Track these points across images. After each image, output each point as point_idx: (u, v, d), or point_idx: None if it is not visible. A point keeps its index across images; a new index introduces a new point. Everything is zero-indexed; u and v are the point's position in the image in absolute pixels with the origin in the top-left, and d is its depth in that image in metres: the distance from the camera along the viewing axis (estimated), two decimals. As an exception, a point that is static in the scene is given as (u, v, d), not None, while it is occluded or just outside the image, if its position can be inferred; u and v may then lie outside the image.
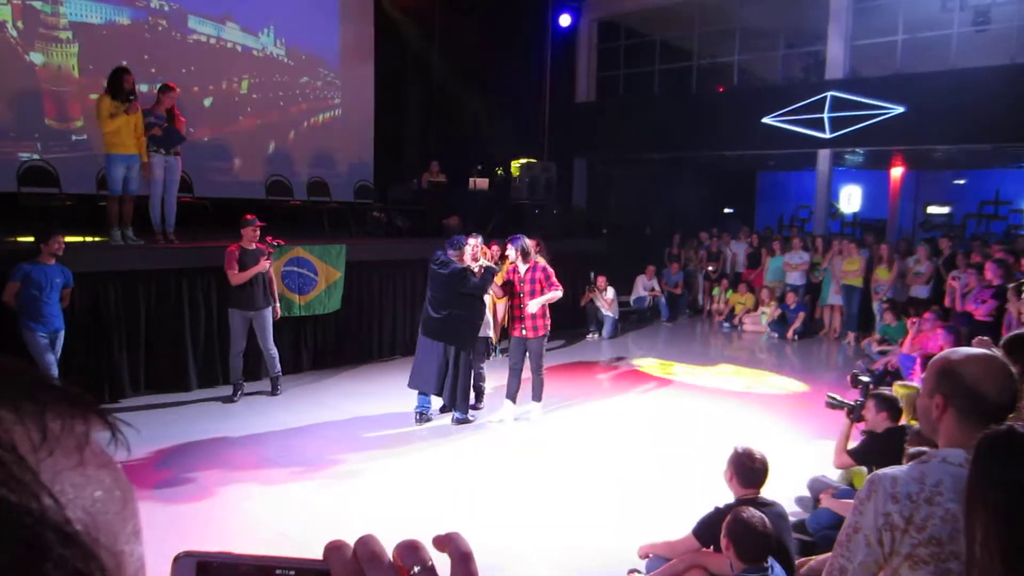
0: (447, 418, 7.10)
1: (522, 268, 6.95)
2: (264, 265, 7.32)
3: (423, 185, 12.79)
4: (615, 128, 16.23)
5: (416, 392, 7.03)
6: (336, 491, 5.32)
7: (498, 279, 7.07)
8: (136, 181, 7.77)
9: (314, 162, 12.22)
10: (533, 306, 6.86)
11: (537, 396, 7.22)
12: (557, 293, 6.97)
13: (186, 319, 7.78)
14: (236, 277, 7.18)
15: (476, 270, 6.79)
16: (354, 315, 9.46)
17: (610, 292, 12.09)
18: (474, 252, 6.96)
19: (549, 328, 7.09)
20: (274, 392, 7.70)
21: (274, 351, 7.60)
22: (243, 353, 7.46)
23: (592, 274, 12.18)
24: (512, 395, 7.13)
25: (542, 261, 7.02)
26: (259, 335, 7.44)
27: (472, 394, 7.23)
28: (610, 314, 12.07)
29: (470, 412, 7.05)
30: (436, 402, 7.19)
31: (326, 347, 9.20)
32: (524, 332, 6.95)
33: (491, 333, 7.78)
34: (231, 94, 12.18)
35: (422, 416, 7.03)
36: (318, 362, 9.11)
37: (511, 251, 6.94)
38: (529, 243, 7.01)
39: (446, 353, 6.76)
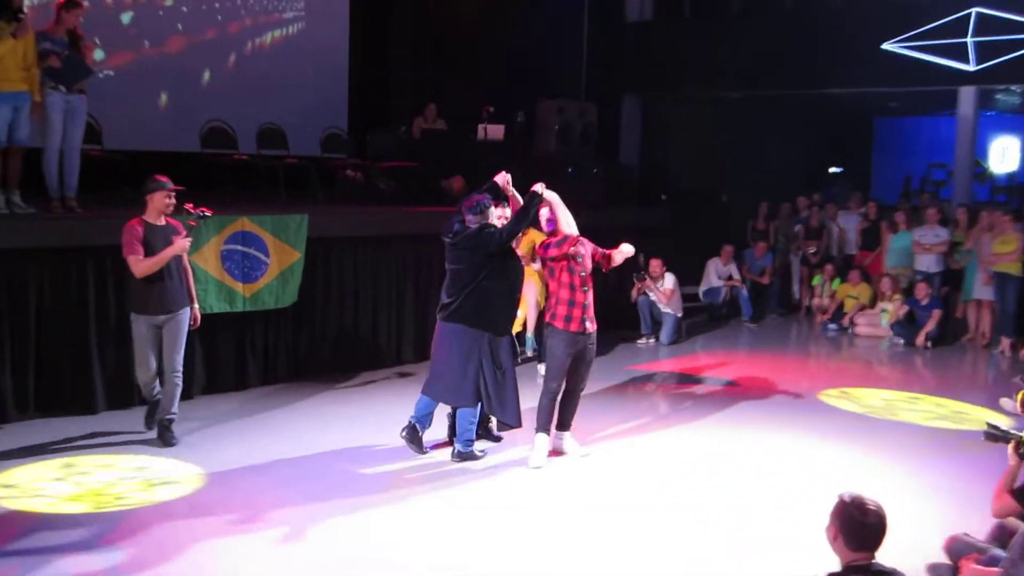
0: (444, 453, 7.07)
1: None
2: (182, 245, 6.90)
3: (415, 134, 12.76)
4: (679, 57, 16.14)
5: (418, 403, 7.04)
6: (290, 557, 5.25)
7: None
8: (26, 128, 7.78)
9: (266, 102, 12.22)
10: (619, 255, 6.91)
11: (568, 423, 7.18)
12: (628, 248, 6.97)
13: (91, 315, 7.75)
14: (141, 264, 6.71)
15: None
16: (319, 311, 9.47)
17: (669, 280, 12.01)
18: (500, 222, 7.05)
19: None
20: (165, 441, 7.03)
21: (179, 379, 7.05)
22: (158, 373, 7.11)
23: (642, 257, 11.99)
24: (547, 425, 6.99)
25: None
26: (166, 348, 6.95)
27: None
28: (670, 311, 12.01)
29: (476, 447, 7.01)
30: (438, 430, 7.20)
31: (280, 355, 9.21)
32: (587, 325, 6.83)
33: (521, 314, 7.73)
34: (154, 7, 12.22)
35: (412, 435, 6.96)
36: (270, 376, 9.13)
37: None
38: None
39: (476, 344, 6.74)
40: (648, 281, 11.77)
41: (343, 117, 13.71)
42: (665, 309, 12.00)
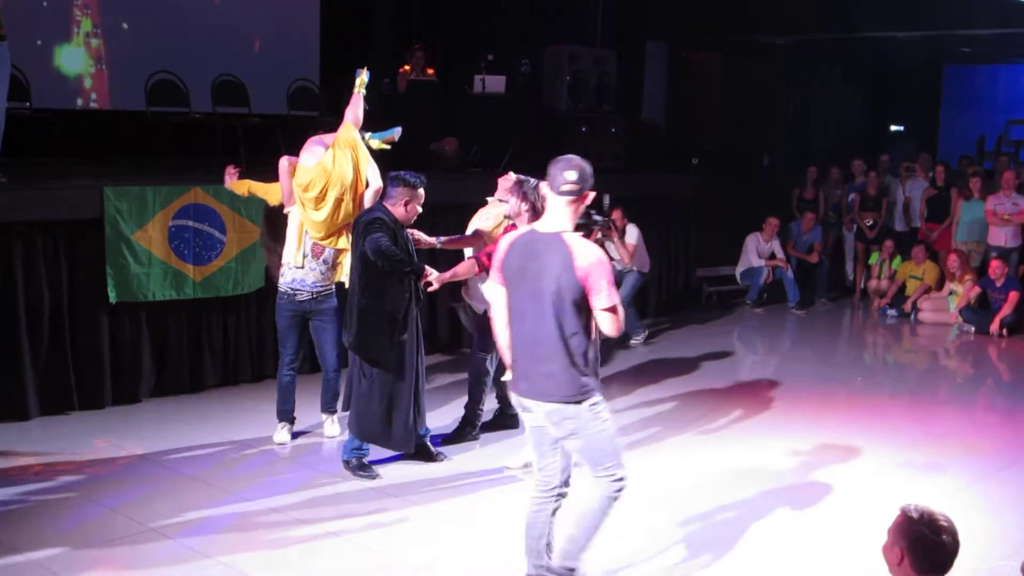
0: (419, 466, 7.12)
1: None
2: None
3: (400, 87, 12.73)
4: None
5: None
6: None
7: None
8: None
9: (222, 49, 12.15)
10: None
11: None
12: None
13: (21, 309, 7.76)
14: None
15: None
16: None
17: (631, 234, 11.37)
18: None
19: None
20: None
21: None
22: None
23: (607, 199, 10.06)
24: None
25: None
26: None
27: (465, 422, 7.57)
28: (633, 268, 11.35)
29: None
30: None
31: (241, 351, 9.21)
32: None
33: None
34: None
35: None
36: (230, 375, 9.13)
37: (511, 202, 6.51)
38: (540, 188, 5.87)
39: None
40: (613, 231, 10.64)
41: (314, 67, 13.55)
42: (624, 265, 11.22)
